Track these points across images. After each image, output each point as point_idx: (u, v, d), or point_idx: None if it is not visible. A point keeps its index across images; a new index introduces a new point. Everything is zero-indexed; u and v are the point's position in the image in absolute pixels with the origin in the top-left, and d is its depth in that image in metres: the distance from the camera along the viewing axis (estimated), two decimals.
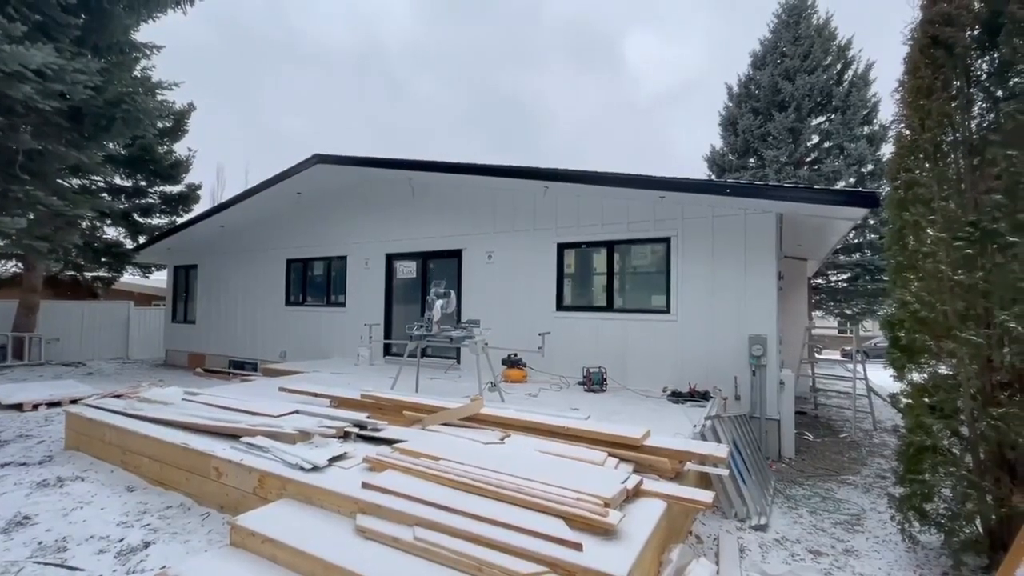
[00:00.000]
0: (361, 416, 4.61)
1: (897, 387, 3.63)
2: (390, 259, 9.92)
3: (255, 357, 11.96)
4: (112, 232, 14.70)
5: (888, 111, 18.80)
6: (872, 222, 17.79)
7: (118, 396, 5.76)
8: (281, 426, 4.18)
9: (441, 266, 9.38)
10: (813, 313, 20.34)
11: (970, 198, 3.23)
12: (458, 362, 8.87)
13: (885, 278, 18.01)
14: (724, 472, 3.59)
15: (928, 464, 3.36)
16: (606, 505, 2.73)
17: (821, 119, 18.32)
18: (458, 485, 3.12)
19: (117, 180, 14.58)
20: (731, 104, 20.18)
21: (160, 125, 14.14)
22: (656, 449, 3.50)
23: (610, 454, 3.55)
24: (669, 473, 3.43)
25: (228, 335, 12.78)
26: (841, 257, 18.35)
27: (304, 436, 4.05)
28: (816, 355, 19.57)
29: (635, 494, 3.11)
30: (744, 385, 6.52)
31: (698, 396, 6.19)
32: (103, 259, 13.92)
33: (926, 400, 3.36)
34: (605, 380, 6.96)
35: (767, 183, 6.09)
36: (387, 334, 9.81)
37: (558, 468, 3.32)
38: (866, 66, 18.12)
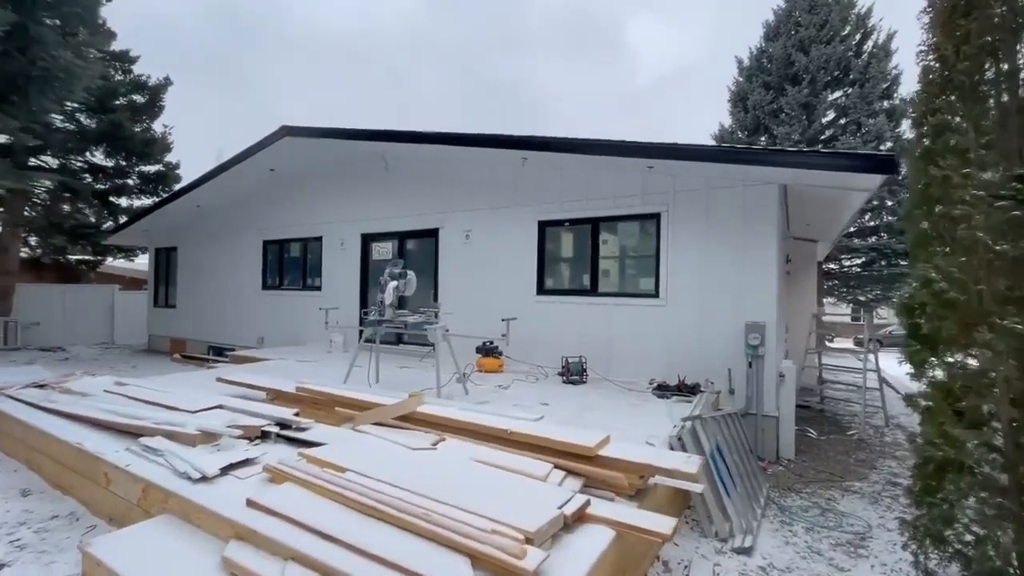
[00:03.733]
0: (288, 413, 4.02)
1: (915, 387, 2.94)
2: (366, 240, 9.30)
3: (233, 343, 11.47)
4: (88, 213, 14.22)
5: (911, 85, 17.55)
6: (890, 203, 16.79)
7: (41, 386, 5.25)
8: (184, 424, 3.60)
9: (418, 247, 8.75)
10: (824, 300, 19.46)
11: (1017, 146, 2.50)
12: (436, 349, 8.24)
13: (903, 262, 17.06)
14: (698, 488, 2.95)
15: (951, 484, 2.68)
16: (527, 541, 2.10)
17: (838, 94, 17.22)
18: (358, 506, 2.51)
19: (97, 159, 14.07)
20: (741, 79, 19.10)
21: (138, 99, 13.61)
22: (613, 461, 2.86)
23: (556, 466, 2.92)
24: (627, 490, 2.79)
25: (207, 320, 12.32)
26: (856, 240, 17.41)
27: (208, 437, 3.47)
28: (827, 343, 18.71)
29: (578, 519, 2.48)
30: (739, 378, 5.84)
31: (686, 390, 5.53)
32: (77, 241, 13.48)
33: (952, 404, 2.67)
34: (585, 371, 6.32)
35: (767, 147, 5.30)
36: (362, 320, 9.21)
37: (487, 484, 2.70)
38: (887, 36, 16.95)
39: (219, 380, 5.25)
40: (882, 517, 4.16)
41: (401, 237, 8.86)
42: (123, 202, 14.43)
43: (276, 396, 4.68)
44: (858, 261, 17.88)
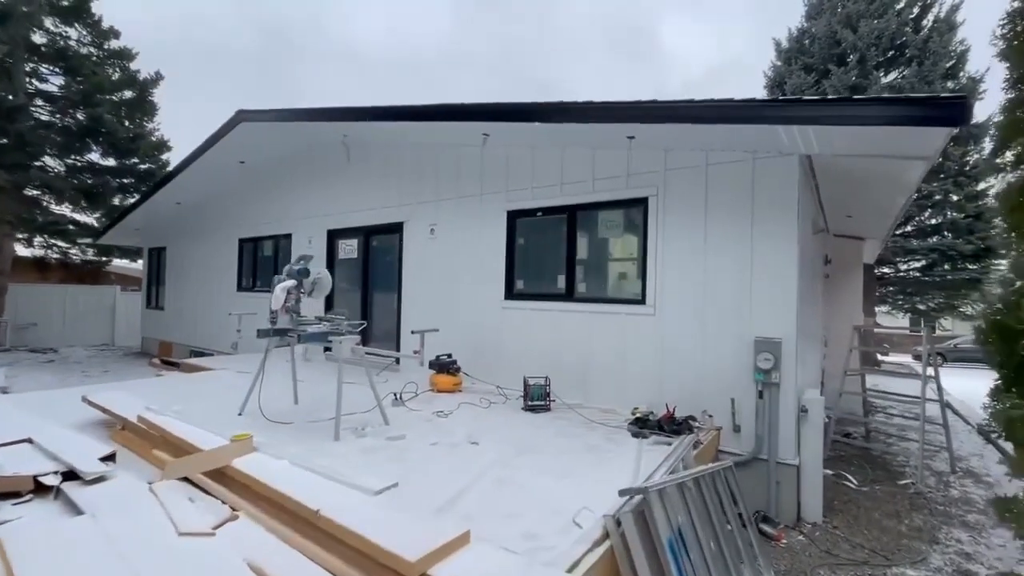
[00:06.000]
0: (94, 456, 2.99)
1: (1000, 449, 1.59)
2: (332, 236, 8.36)
3: (211, 347, 10.78)
4: (69, 211, 13.96)
5: (981, 61, 15.29)
6: (955, 198, 14.58)
7: None
8: None
9: (383, 244, 7.72)
10: (877, 308, 17.24)
11: None
12: (397, 363, 7.18)
13: (970, 265, 14.75)
14: None
15: None
16: None
17: (892, 75, 15.15)
18: None
19: (95, 158, 13.87)
20: (779, 63, 17.25)
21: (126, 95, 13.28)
22: None
23: None
24: None
25: (189, 322, 11.74)
26: (914, 241, 15.25)
27: None
28: (880, 357, 16.46)
29: None
30: (746, 411, 4.44)
31: (670, 427, 4.18)
32: (70, 240, 13.25)
33: None
34: (548, 395, 5.06)
35: (777, 98, 3.93)
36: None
37: None
38: (951, 7, 14.78)
39: (84, 400, 4.32)
40: None
41: (366, 233, 7.86)
42: (126, 202, 14.18)
43: (125, 426, 3.69)
44: (917, 264, 15.67)
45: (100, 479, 2.81)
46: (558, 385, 5.34)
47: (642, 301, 5.05)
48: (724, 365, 4.58)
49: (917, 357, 18.90)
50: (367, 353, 4.49)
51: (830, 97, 3.32)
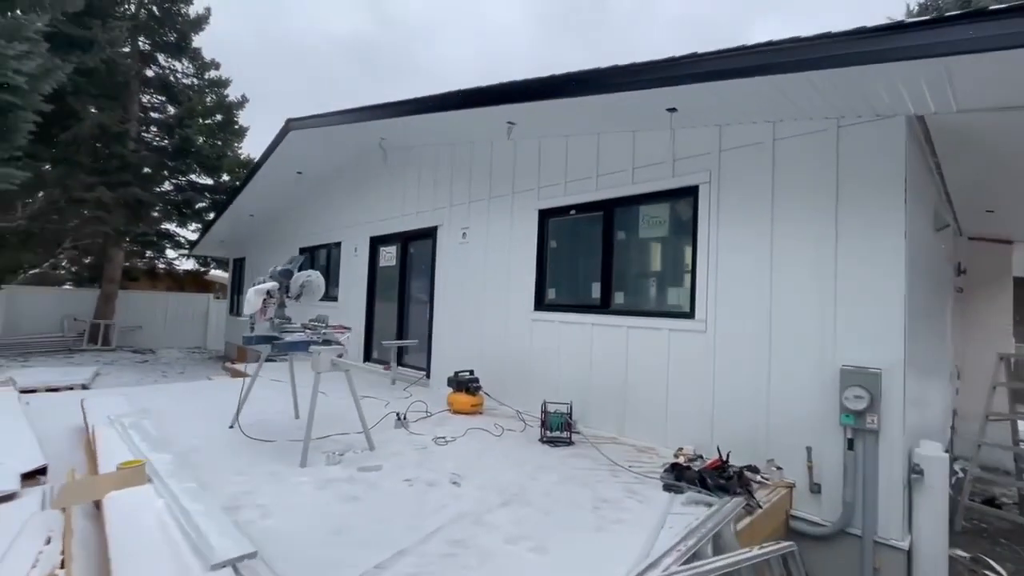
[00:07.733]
0: (16, 472, 2.71)
1: None
2: (374, 243, 8.15)
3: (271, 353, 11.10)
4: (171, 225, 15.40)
5: None
6: None
7: None
8: None
9: (419, 250, 7.33)
10: None
11: None
12: (428, 376, 6.68)
13: None
14: None
15: None
16: None
17: None
18: None
19: (193, 177, 15.24)
20: None
21: (218, 119, 14.43)
22: None
23: None
24: None
25: None
26: None
27: None
28: None
29: None
30: (829, 465, 3.29)
31: (715, 479, 3.15)
32: (163, 252, 14.57)
33: None
34: (570, 426, 4.20)
35: (865, 26, 2.74)
36: (368, 334, 8.05)
37: None
38: None
39: (80, 404, 4.24)
40: None
41: (404, 239, 7.52)
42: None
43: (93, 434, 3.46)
44: None
45: (6, 498, 2.50)
46: (591, 413, 4.51)
47: (690, 315, 4.05)
48: (797, 401, 3.46)
49: None
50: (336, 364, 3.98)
51: (956, 13, 2.23)
